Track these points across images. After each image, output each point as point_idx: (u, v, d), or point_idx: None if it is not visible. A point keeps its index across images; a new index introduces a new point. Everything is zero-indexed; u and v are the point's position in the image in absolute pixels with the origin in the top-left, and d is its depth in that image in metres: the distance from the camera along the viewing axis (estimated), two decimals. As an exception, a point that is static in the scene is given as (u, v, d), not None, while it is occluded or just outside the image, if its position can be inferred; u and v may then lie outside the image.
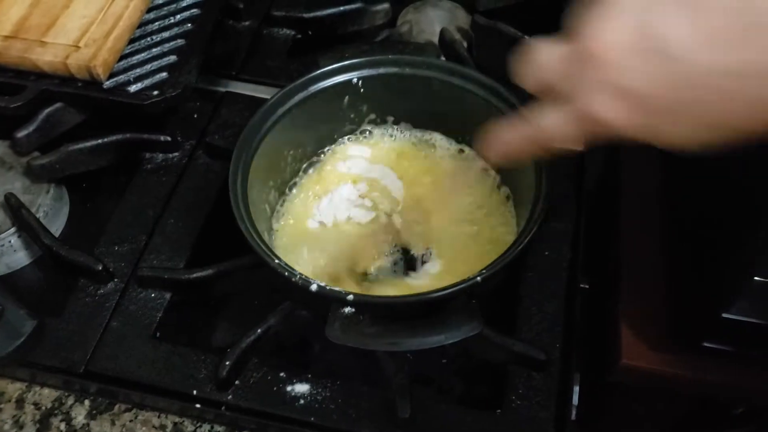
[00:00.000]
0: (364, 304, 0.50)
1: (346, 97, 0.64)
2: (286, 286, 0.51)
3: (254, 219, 0.55)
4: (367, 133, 0.67)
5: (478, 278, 0.49)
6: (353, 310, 0.49)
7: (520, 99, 0.57)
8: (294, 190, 0.65)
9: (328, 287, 0.50)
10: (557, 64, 0.40)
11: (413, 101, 0.64)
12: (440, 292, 0.50)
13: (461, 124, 0.65)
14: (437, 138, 0.67)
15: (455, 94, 0.62)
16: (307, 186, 0.65)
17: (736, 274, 0.50)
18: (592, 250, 0.64)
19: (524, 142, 0.44)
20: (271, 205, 0.63)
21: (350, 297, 0.49)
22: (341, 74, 0.63)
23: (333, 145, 0.67)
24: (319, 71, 0.62)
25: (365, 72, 0.63)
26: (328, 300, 0.50)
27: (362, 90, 0.63)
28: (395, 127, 0.67)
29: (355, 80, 0.63)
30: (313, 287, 0.49)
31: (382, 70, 0.63)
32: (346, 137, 0.67)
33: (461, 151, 0.66)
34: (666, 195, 0.64)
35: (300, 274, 0.51)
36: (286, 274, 0.50)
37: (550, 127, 0.41)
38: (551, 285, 0.60)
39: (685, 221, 0.59)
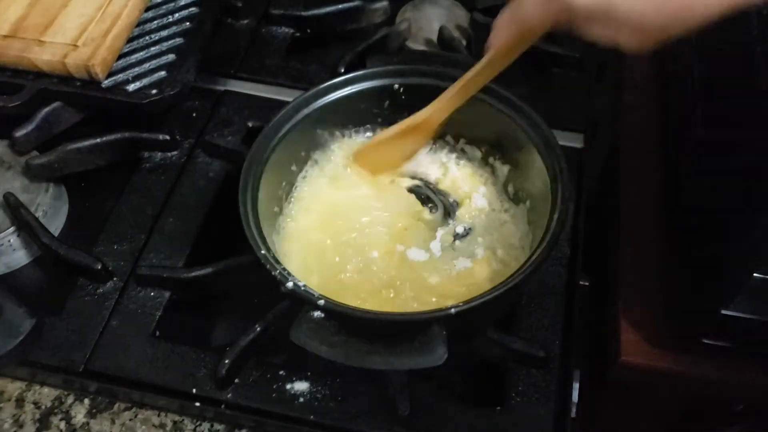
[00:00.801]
0: (332, 311, 0.49)
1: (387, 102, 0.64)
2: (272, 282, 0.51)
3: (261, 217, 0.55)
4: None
5: (452, 311, 0.47)
6: (322, 315, 0.49)
7: (540, 118, 0.58)
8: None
9: (302, 288, 0.49)
10: None
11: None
12: (410, 317, 0.50)
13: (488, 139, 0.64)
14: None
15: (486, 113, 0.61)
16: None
17: (734, 270, 0.50)
18: (592, 249, 0.64)
19: (510, 25, 0.51)
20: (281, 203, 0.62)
21: (321, 302, 0.48)
22: (382, 78, 0.63)
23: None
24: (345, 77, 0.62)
25: (407, 80, 0.63)
26: (299, 301, 0.49)
27: (403, 97, 0.63)
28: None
29: (396, 86, 0.63)
30: (289, 284, 0.49)
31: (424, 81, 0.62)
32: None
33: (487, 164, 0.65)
34: (664, 194, 0.64)
35: (282, 268, 0.50)
36: (268, 266, 0.50)
37: (525, 9, 0.48)
38: (551, 283, 0.60)
39: (684, 219, 0.59)
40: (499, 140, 0.62)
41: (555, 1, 0.44)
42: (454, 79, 0.59)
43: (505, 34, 0.52)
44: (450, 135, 0.65)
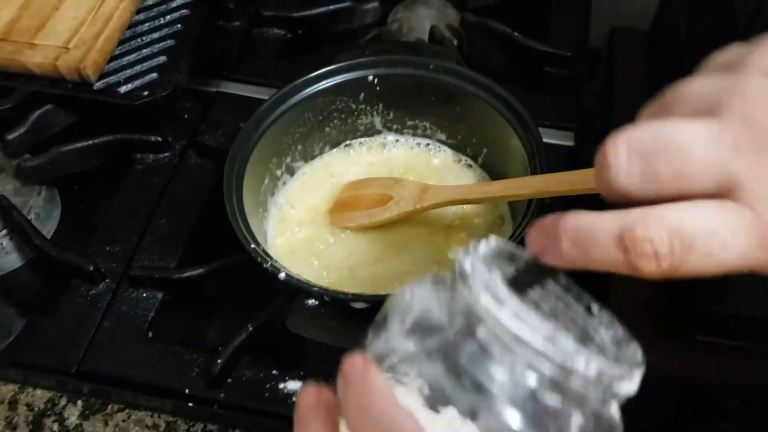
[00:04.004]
0: (326, 297, 0.50)
1: (361, 94, 0.65)
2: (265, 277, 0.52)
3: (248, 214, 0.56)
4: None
5: None
6: (317, 302, 0.50)
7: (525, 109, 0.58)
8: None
9: (295, 277, 0.50)
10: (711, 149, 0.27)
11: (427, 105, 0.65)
12: None
13: (466, 131, 0.65)
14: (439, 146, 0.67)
15: (469, 102, 0.62)
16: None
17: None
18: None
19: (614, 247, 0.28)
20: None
21: (315, 289, 0.50)
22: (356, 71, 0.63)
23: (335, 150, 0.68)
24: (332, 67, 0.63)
25: (381, 71, 0.63)
26: (295, 290, 0.50)
27: (378, 89, 0.64)
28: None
29: (371, 78, 0.63)
30: (281, 275, 0.50)
31: (399, 70, 0.63)
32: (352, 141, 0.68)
33: (462, 162, 0.66)
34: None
35: (273, 261, 0.51)
36: (259, 259, 0.51)
37: (695, 225, 0.26)
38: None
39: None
40: (475, 123, 0.63)
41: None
42: (425, 67, 0.60)
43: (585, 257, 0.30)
44: (426, 123, 0.66)
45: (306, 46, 0.80)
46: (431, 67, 0.63)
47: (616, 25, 0.83)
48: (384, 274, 0.59)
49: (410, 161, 0.67)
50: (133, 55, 0.68)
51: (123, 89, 0.65)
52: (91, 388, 0.57)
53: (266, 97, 0.62)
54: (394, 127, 0.67)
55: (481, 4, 0.78)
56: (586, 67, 0.77)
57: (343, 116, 0.65)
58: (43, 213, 0.65)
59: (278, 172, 0.64)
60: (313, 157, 0.67)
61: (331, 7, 0.80)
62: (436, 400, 0.26)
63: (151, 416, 0.56)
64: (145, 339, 0.57)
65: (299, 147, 0.65)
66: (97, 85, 0.65)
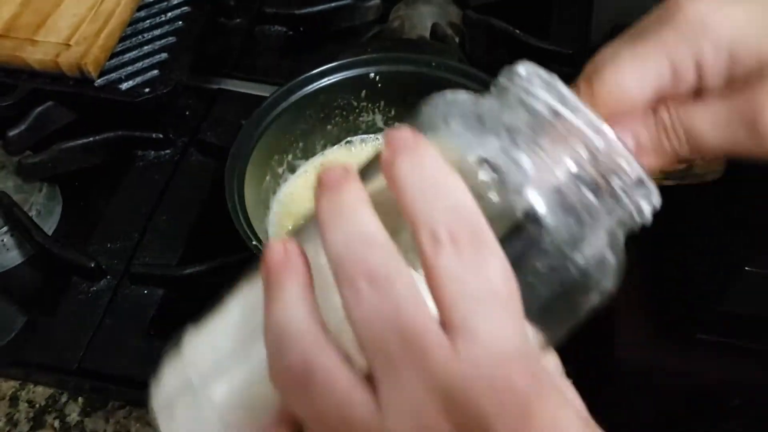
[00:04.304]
0: None
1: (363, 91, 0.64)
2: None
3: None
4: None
5: None
6: None
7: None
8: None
9: None
10: None
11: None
12: None
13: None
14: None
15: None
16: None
17: (728, 265, 0.50)
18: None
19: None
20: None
21: None
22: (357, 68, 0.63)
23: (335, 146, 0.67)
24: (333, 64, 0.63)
25: (383, 68, 0.63)
26: None
27: (379, 86, 0.64)
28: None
29: (372, 75, 0.63)
30: None
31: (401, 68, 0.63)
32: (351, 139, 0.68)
33: None
34: (658, 188, 0.64)
35: None
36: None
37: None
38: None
39: (679, 213, 0.59)
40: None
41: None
42: (426, 64, 0.60)
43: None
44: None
45: (308, 44, 0.80)
46: (433, 64, 0.63)
47: (617, 22, 0.82)
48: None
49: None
50: (134, 52, 0.68)
51: (124, 86, 0.65)
52: (92, 385, 0.56)
53: (268, 95, 0.62)
54: (396, 124, 0.67)
55: (483, 1, 0.78)
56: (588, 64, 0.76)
57: (344, 114, 0.65)
58: (44, 210, 0.64)
59: (279, 170, 0.64)
60: (314, 154, 0.66)
61: (333, 5, 0.79)
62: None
63: (152, 413, 0.56)
64: (146, 336, 0.57)
65: (301, 144, 0.65)
66: (98, 81, 0.65)
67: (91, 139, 0.66)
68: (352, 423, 0.24)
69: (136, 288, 0.60)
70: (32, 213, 0.63)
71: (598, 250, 0.27)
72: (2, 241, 0.62)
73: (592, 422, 0.28)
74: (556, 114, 0.26)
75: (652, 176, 0.34)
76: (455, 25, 0.78)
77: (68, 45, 0.65)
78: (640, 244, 0.60)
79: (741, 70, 0.31)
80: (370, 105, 0.65)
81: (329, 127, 0.66)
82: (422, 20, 0.78)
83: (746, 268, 0.48)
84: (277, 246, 0.26)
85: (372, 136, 0.67)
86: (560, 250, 0.26)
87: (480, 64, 0.65)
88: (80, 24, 0.67)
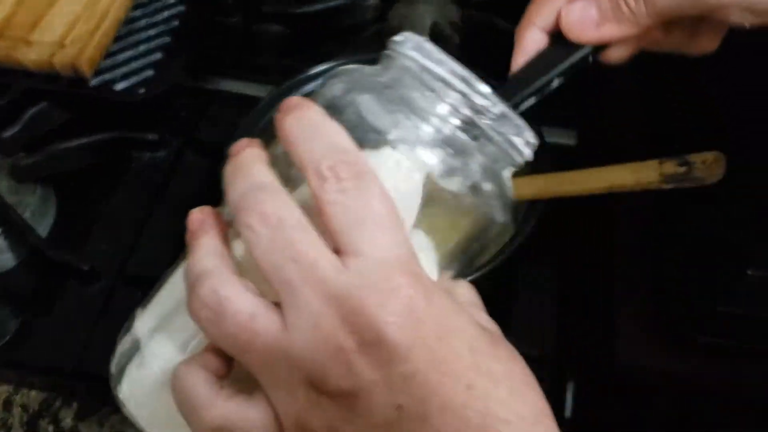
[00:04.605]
0: None
1: None
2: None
3: None
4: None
5: None
6: None
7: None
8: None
9: None
10: None
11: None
12: None
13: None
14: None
15: None
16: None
17: (730, 267, 0.49)
18: (587, 248, 0.63)
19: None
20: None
21: None
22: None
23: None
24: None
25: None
26: None
27: None
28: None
29: None
30: None
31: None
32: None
33: None
34: (659, 191, 0.63)
35: None
36: None
37: None
38: (545, 282, 0.59)
39: (680, 216, 0.59)
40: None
41: None
42: None
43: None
44: None
45: (305, 43, 0.79)
46: None
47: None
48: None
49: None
50: (129, 52, 0.67)
51: (119, 86, 0.65)
52: (87, 389, 0.56)
53: (264, 95, 0.61)
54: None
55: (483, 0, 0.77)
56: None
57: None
58: (39, 212, 0.64)
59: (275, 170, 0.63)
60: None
61: (331, 4, 0.79)
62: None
63: (147, 418, 0.55)
64: (141, 340, 0.57)
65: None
66: (93, 82, 0.65)
67: (85, 139, 0.65)
68: (262, 342, 0.27)
69: (131, 290, 0.59)
70: (26, 215, 0.62)
71: (475, 181, 0.30)
72: (-4, 243, 0.62)
73: (495, 333, 0.31)
74: (423, 68, 0.30)
75: (652, 183, 0.37)
76: (455, 24, 0.77)
77: (63, 45, 0.64)
78: (642, 246, 0.60)
79: None
80: None
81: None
82: (422, 19, 0.77)
83: (748, 272, 0.48)
84: (196, 212, 0.31)
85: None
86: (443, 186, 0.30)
87: (479, 63, 0.64)
88: (75, 23, 0.66)
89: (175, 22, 0.70)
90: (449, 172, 0.30)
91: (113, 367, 0.34)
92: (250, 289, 0.28)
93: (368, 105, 0.30)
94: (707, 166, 0.46)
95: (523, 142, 0.31)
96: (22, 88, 0.63)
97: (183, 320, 0.31)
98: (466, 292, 0.33)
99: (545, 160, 0.55)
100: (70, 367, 0.56)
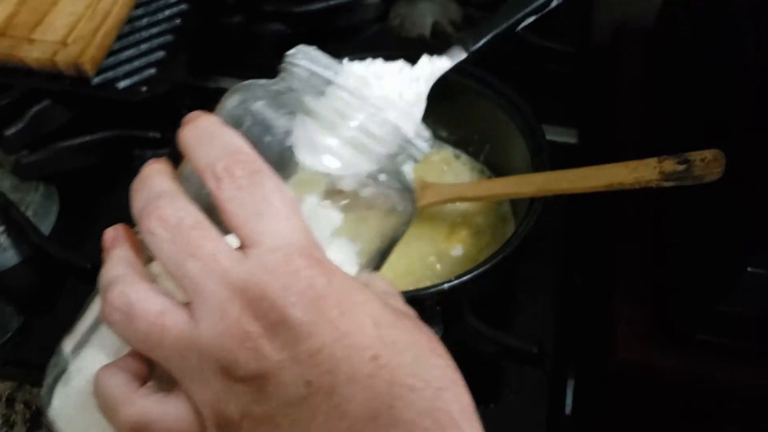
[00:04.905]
0: None
1: None
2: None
3: None
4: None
5: (445, 286, 0.49)
6: None
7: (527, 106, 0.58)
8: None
9: None
10: None
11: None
12: (404, 294, 0.50)
13: (467, 128, 0.65)
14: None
15: (471, 98, 0.62)
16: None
17: (729, 265, 0.50)
18: (586, 246, 0.64)
19: None
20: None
21: None
22: None
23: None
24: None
25: None
26: None
27: None
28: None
29: None
30: None
31: None
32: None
33: (462, 159, 0.66)
34: (658, 189, 0.63)
35: None
36: None
37: None
38: (544, 279, 0.59)
39: (679, 213, 0.59)
40: (478, 120, 0.62)
41: None
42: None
43: None
44: (427, 119, 0.66)
45: (307, 42, 0.79)
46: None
47: (619, 21, 0.82)
48: (384, 273, 0.58)
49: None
50: (131, 51, 0.67)
51: (121, 85, 0.65)
52: (89, 387, 0.56)
53: (266, 94, 0.61)
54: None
55: (484, -1, 0.78)
56: (590, 63, 0.76)
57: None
58: (41, 210, 0.64)
59: (277, 169, 0.63)
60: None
61: (333, 3, 0.79)
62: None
63: (149, 415, 0.55)
64: (143, 337, 0.57)
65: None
66: (95, 80, 0.65)
67: (88, 138, 0.66)
68: (172, 337, 0.28)
69: (133, 288, 0.59)
70: (29, 213, 0.62)
71: (370, 173, 0.31)
72: (-1, 241, 0.62)
73: (407, 313, 0.32)
74: (312, 73, 0.32)
75: (651, 181, 0.36)
76: (456, 23, 0.78)
77: (65, 44, 0.64)
78: (641, 244, 0.60)
79: None
80: None
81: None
82: (422, 18, 0.78)
83: (748, 269, 0.48)
84: (109, 230, 0.33)
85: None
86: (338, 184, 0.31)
87: (480, 62, 0.64)
88: (77, 22, 0.66)
89: (177, 21, 0.70)
90: (347, 169, 0.31)
91: (43, 392, 0.35)
92: (159, 290, 0.29)
93: (263, 111, 0.31)
94: (706, 164, 0.46)
95: (417, 136, 0.33)
96: (25, 87, 0.64)
97: (102, 333, 0.32)
98: (382, 283, 0.34)
99: (546, 158, 0.56)
100: (72, 364, 0.56)
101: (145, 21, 0.69)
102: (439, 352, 0.30)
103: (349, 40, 0.75)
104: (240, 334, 0.27)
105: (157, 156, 0.66)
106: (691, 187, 0.56)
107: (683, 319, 0.55)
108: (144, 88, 0.64)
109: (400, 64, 0.37)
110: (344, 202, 0.31)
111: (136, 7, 0.70)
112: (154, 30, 0.69)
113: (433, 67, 0.42)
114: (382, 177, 0.32)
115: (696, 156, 0.47)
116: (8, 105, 0.63)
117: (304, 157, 0.31)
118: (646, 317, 0.57)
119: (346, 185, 0.31)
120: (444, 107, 0.64)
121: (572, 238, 0.62)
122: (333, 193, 0.31)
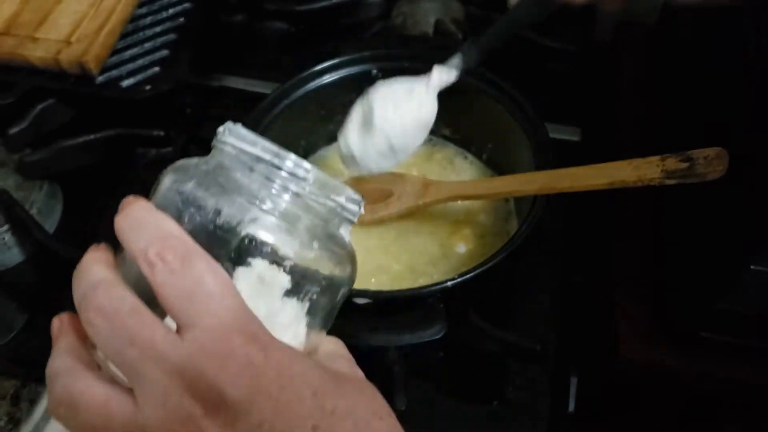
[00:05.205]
0: None
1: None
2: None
3: None
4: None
5: (448, 284, 0.49)
6: None
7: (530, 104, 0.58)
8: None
9: None
10: None
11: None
12: (407, 292, 0.50)
13: (470, 126, 0.65)
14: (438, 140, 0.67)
15: (474, 97, 0.62)
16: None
17: (730, 263, 0.50)
18: (587, 245, 0.64)
19: None
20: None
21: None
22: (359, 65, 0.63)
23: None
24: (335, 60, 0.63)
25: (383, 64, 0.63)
26: None
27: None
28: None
29: (374, 72, 0.63)
30: None
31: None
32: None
33: (465, 157, 0.66)
34: (660, 187, 0.63)
35: None
36: None
37: None
38: (546, 278, 0.60)
39: (679, 211, 0.59)
40: (480, 118, 0.62)
41: None
42: (429, 61, 0.59)
43: None
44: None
45: (309, 41, 0.79)
46: (436, 61, 0.62)
47: (621, 19, 0.82)
48: (387, 270, 0.59)
49: (412, 156, 0.66)
50: (135, 49, 0.67)
51: (125, 83, 0.65)
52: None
53: (269, 92, 0.61)
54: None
55: (486, -3, 0.78)
56: (592, 62, 0.76)
57: (346, 111, 0.65)
58: (45, 208, 0.64)
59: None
60: (315, 152, 0.66)
61: (335, 1, 0.79)
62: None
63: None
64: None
65: (302, 142, 0.65)
66: (99, 79, 0.65)
67: (91, 136, 0.66)
68: (119, 424, 0.28)
69: (137, 286, 0.60)
70: (33, 211, 0.63)
71: (302, 242, 0.32)
72: (3, 239, 0.62)
73: (349, 376, 0.33)
74: (240, 150, 0.32)
75: (654, 179, 0.36)
76: (458, 21, 0.78)
77: (69, 42, 0.65)
78: (642, 243, 0.60)
79: None
80: None
81: (331, 124, 0.65)
82: (425, 16, 0.78)
83: (751, 267, 0.48)
84: (55, 319, 0.33)
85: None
86: (276, 252, 0.31)
87: (484, 61, 0.65)
88: (81, 21, 0.66)
89: (181, 20, 0.70)
90: (281, 240, 0.32)
91: None
92: (102, 378, 0.29)
93: (193, 191, 0.32)
94: (709, 161, 0.46)
95: (347, 199, 0.34)
96: (29, 86, 0.64)
97: (52, 425, 0.33)
98: (329, 344, 0.35)
99: (549, 156, 0.56)
100: (76, 362, 0.56)
101: (148, 20, 0.70)
102: (381, 413, 0.31)
103: (352, 39, 0.75)
104: (183, 417, 0.27)
105: (161, 155, 0.67)
106: (691, 186, 0.56)
107: (684, 317, 0.55)
108: (147, 87, 0.65)
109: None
110: (289, 264, 0.31)
111: (140, 6, 0.71)
112: (158, 29, 0.69)
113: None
114: (315, 245, 0.32)
115: (699, 154, 0.47)
116: (12, 103, 0.63)
117: (241, 229, 0.31)
118: (647, 316, 0.57)
119: (285, 253, 0.31)
120: (447, 106, 0.64)
121: (573, 237, 0.62)
122: (277, 257, 0.31)
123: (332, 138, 0.66)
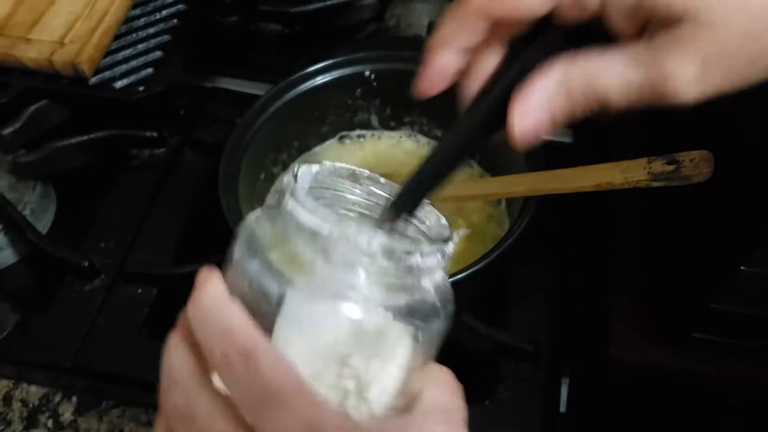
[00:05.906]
0: None
1: (358, 90, 0.64)
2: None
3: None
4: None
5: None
6: None
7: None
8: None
9: None
10: None
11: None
12: None
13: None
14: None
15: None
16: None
17: (724, 263, 0.50)
18: (581, 244, 0.64)
19: (572, 95, 0.32)
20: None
21: None
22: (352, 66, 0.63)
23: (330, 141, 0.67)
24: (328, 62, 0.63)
25: (378, 66, 0.63)
26: None
27: (375, 84, 0.64)
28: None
29: (368, 73, 0.63)
30: None
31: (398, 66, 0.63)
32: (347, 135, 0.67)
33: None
34: (655, 187, 0.63)
35: None
36: None
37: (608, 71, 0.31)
38: (539, 277, 0.60)
39: (674, 212, 0.59)
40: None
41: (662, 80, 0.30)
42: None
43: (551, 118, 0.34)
44: (423, 119, 0.66)
45: (303, 42, 0.79)
46: None
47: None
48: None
49: (405, 157, 0.66)
50: (128, 50, 0.67)
51: (118, 84, 0.65)
52: (86, 385, 0.56)
53: (262, 93, 0.62)
54: (391, 123, 0.67)
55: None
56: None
57: (339, 112, 0.65)
58: (38, 209, 0.64)
59: (274, 169, 0.64)
60: (309, 151, 0.66)
61: (329, 3, 0.79)
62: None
63: (146, 412, 0.55)
64: (140, 335, 0.57)
65: (295, 143, 0.65)
66: (93, 80, 0.65)
67: (85, 137, 0.66)
68: None
69: (129, 287, 0.60)
70: (26, 212, 0.63)
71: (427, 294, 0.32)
72: (-4, 239, 0.62)
73: None
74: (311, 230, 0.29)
75: (641, 181, 0.36)
76: (451, 23, 0.78)
77: (62, 43, 0.65)
78: (636, 243, 0.61)
79: (648, 13, 0.30)
80: (365, 103, 0.65)
81: (324, 125, 0.65)
82: (418, 18, 0.78)
83: (741, 267, 0.48)
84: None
85: (366, 132, 0.67)
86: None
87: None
88: (74, 22, 0.66)
89: (174, 21, 0.70)
90: (367, 310, 0.30)
91: None
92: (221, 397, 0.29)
93: (257, 276, 0.30)
94: (695, 164, 0.46)
95: (422, 254, 0.32)
96: (22, 87, 0.64)
97: None
98: (436, 394, 0.33)
99: (541, 157, 0.56)
100: (68, 362, 0.56)
101: (142, 21, 0.70)
102: None
103: (346, 40, 0.75)
104: None
105: (154, 156, 0.67)
106: (686, 186, 0.57)
107: (679, 317, 0.55)
108: (141, 88, 0.65)
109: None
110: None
111: (134, 7, 0.71)
112: (152, 30, 0.69)
113: None
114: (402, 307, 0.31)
115: (685, 156, 0.47)
116: (5, 104, 0.63)
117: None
118: (641, 315, 0.57)
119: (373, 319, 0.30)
120: (440, 107, 0.64)
121: (567, 236, 0.62)
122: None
123: (325, 139, 0.67)
